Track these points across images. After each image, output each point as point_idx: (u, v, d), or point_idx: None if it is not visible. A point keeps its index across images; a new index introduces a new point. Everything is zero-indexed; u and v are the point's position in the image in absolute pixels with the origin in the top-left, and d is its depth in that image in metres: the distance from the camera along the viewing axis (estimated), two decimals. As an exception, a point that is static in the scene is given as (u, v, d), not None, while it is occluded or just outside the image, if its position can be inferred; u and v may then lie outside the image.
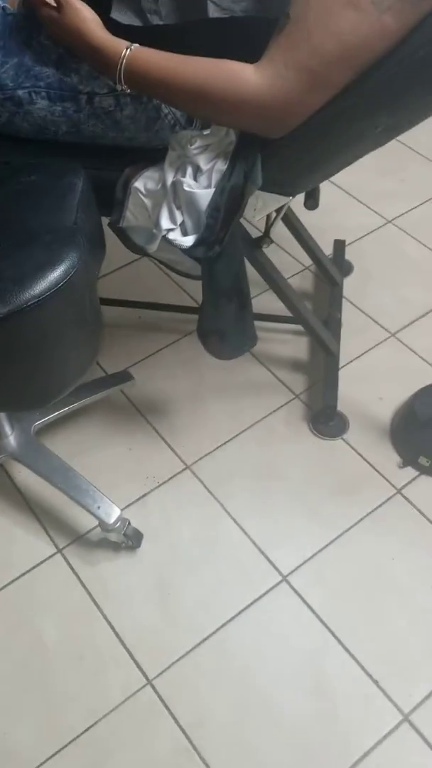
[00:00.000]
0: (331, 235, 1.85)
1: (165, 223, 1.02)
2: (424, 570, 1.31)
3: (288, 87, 0.89)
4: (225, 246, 1.03)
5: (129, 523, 1.30)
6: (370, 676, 1.18)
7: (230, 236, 1.03)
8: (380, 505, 1.39)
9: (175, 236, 1.03)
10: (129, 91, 0.98)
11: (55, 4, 0.95)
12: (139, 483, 1.42)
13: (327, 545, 1.34)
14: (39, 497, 1.39)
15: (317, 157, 1.00)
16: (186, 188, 0.99)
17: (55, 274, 0.80)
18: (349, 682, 1.17)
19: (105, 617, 1.25)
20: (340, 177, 2.01)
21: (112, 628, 1.24)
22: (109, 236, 1.09)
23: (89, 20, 0.95)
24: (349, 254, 1.82)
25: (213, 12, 0.91)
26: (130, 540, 1.31)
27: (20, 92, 1.02)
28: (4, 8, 1.00)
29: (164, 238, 1.04)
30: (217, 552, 1.33)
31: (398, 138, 2.16)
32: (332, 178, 2.01)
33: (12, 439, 1.31)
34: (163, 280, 1.78)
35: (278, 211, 1.28)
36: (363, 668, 1.19)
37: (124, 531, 1.29)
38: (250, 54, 0.91)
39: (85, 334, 0.93)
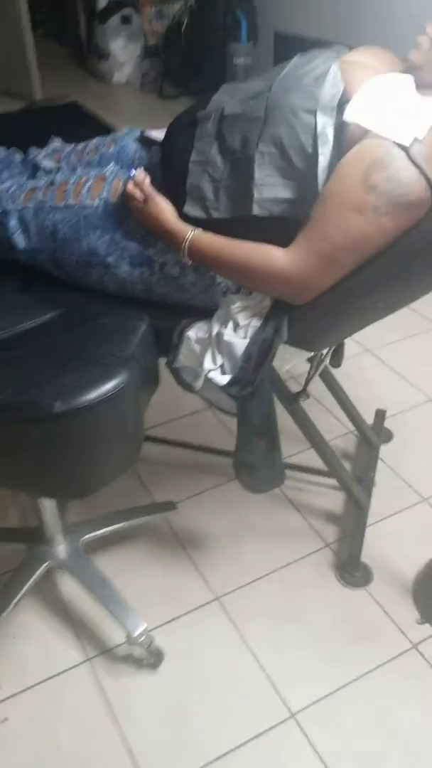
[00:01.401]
0: (377, 405, 2.03)
1: (208, 364, 1.25)
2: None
3: (307, 267, 1.14)
4: (256, 388, 1.24)
5: (153, 641, 1.40)
6: None
7: (261, 380, 1.24)
8: (394, 657, 1.43)
9: (215, 375, 1.24)
10: (191, 263, 1.26)
11: (142, 197, 1.26)
12: (170, 608, 1.53)
13: (338, 689, 1.38)
14: (77, 608, 1.52)
15: (331, 321, 1.22)
16: (226, 338, 1.22)
17: (107, 386, 1.02)
18: None
19: (119, 728, 1.32)
20: (391, 357, 2.25)
21: (124, 739, 1.30)
22: (177, 386, 1.30)
23: (166, 210, 1.25)
24: (392, 424, 1.99)
25: (257, 211, 1.19)
26: (152, 657, 1.40)
27: (110, 258, 1.32)
28: (105, 200, 1.33)
29: (206, 376, 1.25)
30: (233, 682, 1.39)
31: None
32: (384, 358, 2.25)
33: (63, 548, 1.48)
34: (218, 429, 1.99)
35: (316, 368, 1.49)
36: None
37: (147, 646, 1.39)
38: (283, 240, 1.17)
39: (125, 443, 1.12)
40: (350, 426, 1.96)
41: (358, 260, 1.12)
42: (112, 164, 1.41)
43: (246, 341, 1.22)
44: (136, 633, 1.37)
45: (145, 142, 1.47)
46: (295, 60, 1.24)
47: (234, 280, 1.28)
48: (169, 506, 1.67)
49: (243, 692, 1.38)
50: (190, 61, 4.45)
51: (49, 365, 1.10)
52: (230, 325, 1.24)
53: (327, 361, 1.51)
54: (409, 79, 1.16)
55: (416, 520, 1.73)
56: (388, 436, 1.95)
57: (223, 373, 1.25)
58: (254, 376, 1.22)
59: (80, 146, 1.56)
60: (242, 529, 1.71)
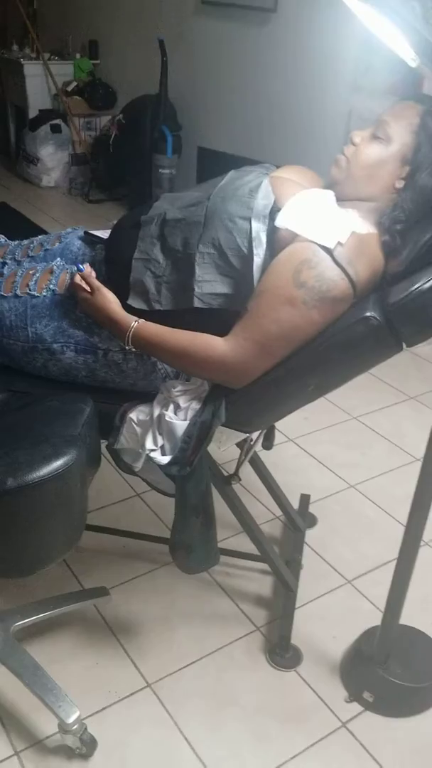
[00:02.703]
0: (300, 491, 2.12)
1: (149, 444, 1.31)
2: (366, 804, 1.34)
3: (244, 354, 1.24)
4: (194, 468, 1.30)
5: (86, 729, 1.38)
6: None
7: (199, 461, 1.31)
8: (325, 737, 1.46)
9: (156, 455, 1.31)
10: (134, 350, 1.34)
11: (89, 290, 1.35)
12: (102, 696, 1.51)
13: (273, 771, 1.39)
14: (5, 698, 1.48)
15: (266, 404, 1.32)
16: (167, 419, 1.30)
17: (57, 463, 1.07)
18: None
19: None
20: (313, 446, 2.37)
21: None
22: (109, 474, 1.35)
23: (111, 302, 1.34)
24: (315, 510, 2.08)
25: (198, 303, 1.30)
26: (85, 746, 1.37)
27: (55, 345, 1.39)
28: (54, 290, 1.41)
29: (148, 456, 1.32)
30: (167, 769, 1.38)
31: (362, 420, 2.56)
32: (306, 447, 2.36)
33: (-8, 636, 1.45)
34: (148, 516, 2.02)
35: (246, 454, 1.58)
36: None
37: (80, 735, 1.36)
38: (218, 330, 1.27)
39: (71, 521, 1.15)
40: (276, 512, 2.04)
41: (289, 348, 1.24)
42: (58, 259, 1.50)
43: (186, 422, 1.30)
44: (70, 720, 1.34)
45: (89, 240, 1.58)
46: (231, 174, 1.40)
47: (175, 366, 1.37)
48: (102, 592, 1.68)
49: (178, 780, 1.36)
50: (117, 170, 4.71)
51: (-2, 443, 1.13)
52: (171, 407, 1.32)
53: (257, 446, 1.59)
54: (330, 194, 1.32)
55: (341, 602, 1.79)
56: (312, 521, 2.03)
57: (164, 453, 1.32)
58: (193, 456, 1.29)
59: (25, 242, 1.65)
60: (173, 615, 1.72)
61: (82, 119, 5.20)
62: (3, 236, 1.71)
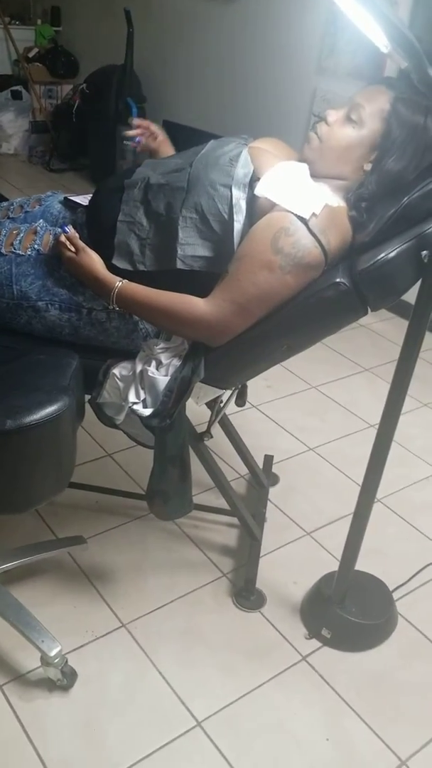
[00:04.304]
0: (263, 453, 2.24)
1: (132, 397, 1.40)
2: (322, 726, 1.48)
3: (223, 314, 1.34)
4: (174, 420, 1.40)
5: (67, 662, 1.47)
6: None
7: (179, 414, 1.41)
8: (287, 669, 1.59)
9: (138, 408, 1.40)
10: (118, 309, 1.42)
11: (74, 249, 1.42)
12: (80, 635, 1.61)
13: (238, 699, 1.51)
14: (-12, 638, 1.57)
15: (242, 362, 1.43)
16: (150, 374, 1.39)
17: (52, 408, 1.15)
18: None
19: (35, 748, 1.37)
20: (275, 412, 2.49)
21: (40, 758, 1.36)
22: (81, 435, 1.43)
23: (96, 261, 1.42)
24: (278, 470, 2.21)
25: (180, 265, 1.39)
26: (66, 678, 1.47)
27: (40, 303, 1.46)
28: (38, 250, 1.48)
29: (130, 409, 1.41)
30: (141, 699, 1.49)
31: (321, 390, 2.69)
32: (269, 413, 2.48)
33: (-24, 578, 1.53)
34: (121, 474, 2.11)
35: (217, 413, 1.68)
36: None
37: (61, 668, 1.46)
38: (198, 291, 1.37)
39: (62, 463, 1.24)
40: (240, 471, 2.16)
41: (265, 310, 1.34)
42: (41, 220, 1.57)
43: (167, 378, 1.39)
44: (52, 654, 1.44)
45: (69, 204, 1.65)
46: (211, 143, 1.48)
47: (157, 324, 1.46)
48: (78, 540, 1.77)
49: (151, 707, 1.47)
50: (80, 140, 4.71)
51: (-7, 391, 1.21)
52: (153, 363, 1.41)
53: (229, 405, 1.70)
54: (304, 167, 1.42)
55: (301, 551, 1.93)
56: (275, 480, 2.16)
57: (145, 406, 1.41)
58: (173, 409, 1.39)
59: (4, 204, 1.71)
60: (145, 563, 1.83)
61: (44, 87, 5.16)
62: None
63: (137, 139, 1.76)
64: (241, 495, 2.10)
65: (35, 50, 5.19)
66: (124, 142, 1.75)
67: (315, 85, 3.52)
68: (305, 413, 2.57)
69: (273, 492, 2.12)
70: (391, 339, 3.16)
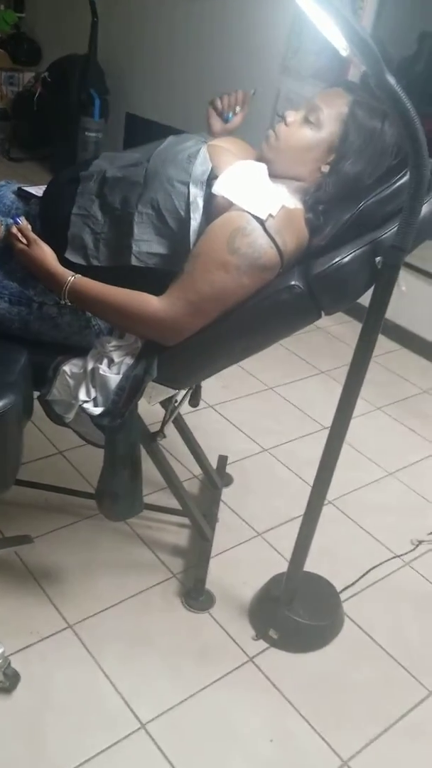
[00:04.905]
0: (218, 453, 2.24)
1: (82, 395, 1.38)
2: (266, 727, 1.48)
3: (177, 312, 1.33)
4: (125, 420, 1.38)
5: (9, 664, 1.44)
6: None
7: (130, 414, 1.39)
8: (234, 669, 1.59)
9: (88, 407, 1.38)
10: (70, 304, 1.39)
11: (25, 241, 1.39)
12: (24, 636, 1.57)
13: (184, 700, 1.50)
14: None
15: (196, 363, 1.41)
16: (101, 372, 1.37)
17: (-3, 406, 1.12)
18: None
19: (-29, 752, 1.34)
20: (231, 413, 2.48)
21: (-23, 761, 1.33)
22: (31, 431, 1.40)
23: (48, 254, 1.38)
24: (232, 470, 2.20)
25: (135, 262, 1.37)
26: (8, 680, 1.44)
27: (-11, 296, 1.43)
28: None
29: (80, 408, 1.38)
30: (86, 701, 1.47)
31: (277, 391, 2.69)
32: (225, 414, 2.47)
33: None
34: (72, 472, 2.08)
35: (171, 412, 1.66)
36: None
37: (4, 669, 1.43)
38: (151, 289, 1.35)
39: (6, 462, 1.21)
40: (194, 471, 2.15)
41: (220, 310, 1.33)
42: (-7, 211, 1.53)
43: (119, 377, 1.37)
44: (-6, 656, 1.40)
45: (23, 195, 1.61)
46: (170, 139, 1.46)
47: (110, 321, 1.44)
48: (25, 540, 1.73)
49: (96, 709, 1.45)
50: (41, 129, 4.63)
51: None
52: (105, 361, 1.38)
53: (183, 405, 1.68)
54: (263, 167, 1.41)
55: (253, 552, 1.93)
56: (228, 480, 2.15)
57: (96, 405, 1.39)
58: (124, 409, 1.37)
59: (-43, 193, 1.65)
60: (94, 563, 1.80)
61: (5, 73, 5.05)
62: None
63: (229, 115, 1.63)
64: (193, 495, 2.08)
65: (-3, 36, 5.08)
66: (224, 117, 1.62)
67: (278, 85, 3.52)
68: (261, 414, 2.57)
69: (226, 492, 2.11)
70: (348, 342, 3.18)
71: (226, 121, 1.62)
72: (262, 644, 1.66)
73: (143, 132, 4.14)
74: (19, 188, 1.62)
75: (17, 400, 1.16)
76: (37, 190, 1.60)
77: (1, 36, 5.07)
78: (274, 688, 1.56)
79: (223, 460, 2.20)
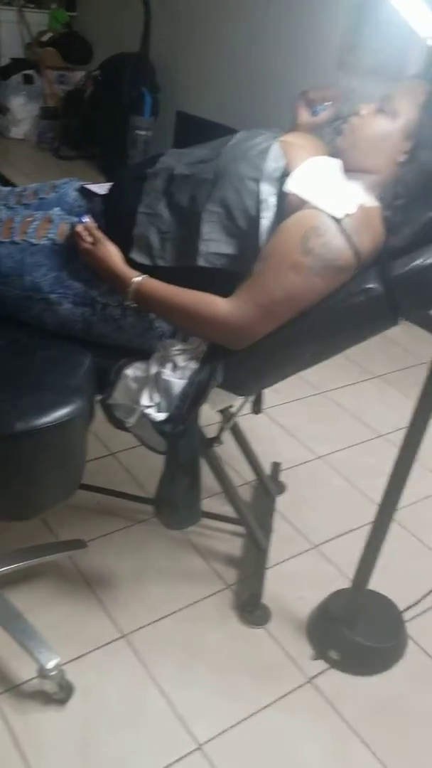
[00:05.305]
0: (270, 459, 2.17)
1: (145, 401, 1.32)
2: (326, 753, 1.41)
3: (247, 316, 1.26)
4: (187, 427, 1.33)
5: (64, 675, 1.40)
6: None
7: (193, 420, 1.33)
8: (292, 691, 1.52)
9: (151, 412, 1.32)
10: (134, 305, 1.34)
11: (91, 240, 1.35)
12: (77, 645, 1.53)
13: (240, 722, 1.44)
14: (-20, 645, 1.49)
15: (263, 368, 1.35)
16: (165, 377, 1.31)
17: (62, 412, 1.07)
18: None
19: (28, 764, 1.30)
20: (281, 417, 2.42)
21: (31, 775, 1.29)
22: (90, 433, 1.36)
23: (114, 254, 1.34)
24: (284, 478, 2.13)
25: (201, 262, 1.31)
26: (63, 691, 1.40)
27: (53, 296, 1.38)
28: (53, 240, 1.40)
29: (142, 413, 1.33)
30: (140, 716, 1.42)
31: (329, 396, 2.62)
32: (276, 419, 2.41)
33: (-29, 582, 1.46)
34: (124, 475, 2.04)
35: (229, 420, 1.60)
36: None
37: (58, 681, 1.38)
38: (222, 290, 1.29)
39: (70, 470, 1.17)
40: (246, 478, 2.08)
41: (291, 313, 1.27)
42: (57, 208, 1.49)
43: (183, 381, 1.32)
44: (50, 666, 1.36)
45: (85, 193, 1.57)
46: (240, 134, 1.40)
47: (175, 323, 1.38)
48: (79, 544, 1.69)
49: (150, 726, 1.40)
50: (91, 127, 4.62)
51: (1, 389, 1.13)
52: (169, 365, 1.33)
53: (241, 411, 1.62)
54: (337, 163, 1.35)
55: (308, 565, 1.85)
56: (281, 488, 2.08)
57: (159, 410, 1.33)
58: (188, 415, 1.31)
59: (18, 189, 1.62)
60: (147, 570, 1.75)
61: (56, 72, 5.07)
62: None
63: (319, 108, 1.56)
64: (246, 503, 2.02)
65: (49, 34, 5.09)
66: (313, 110, 1.54)
67: (335, 82, 3.44)
68: (313, 419, 2.49)
69: (279, 501, 2.04)
70: (402, 345, 3.09)
71: (314, 114, 1.55)
72: (321, 664, 1.59)
73: (194, 130, 4.09)
74: (82, 186, 1.58)
75: (84, 405, 1.12)
76: (100, 188, 1.55)
77: (53, 35, 5.08)
78: (335, 712, 1.49)
79: (276, 467, 2.14)
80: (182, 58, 4.30)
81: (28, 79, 4.98)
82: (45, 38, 5.08)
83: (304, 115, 1.58)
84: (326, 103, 1.56)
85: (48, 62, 4.99)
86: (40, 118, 5.03)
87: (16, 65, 5.00)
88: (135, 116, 4.16)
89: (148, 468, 2.06)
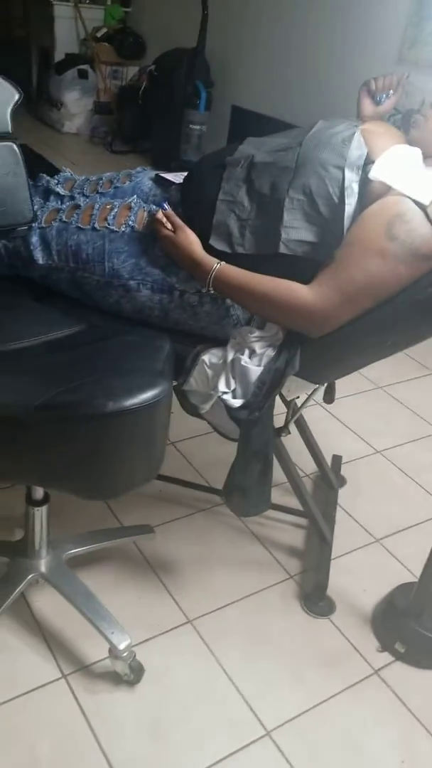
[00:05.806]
0: (330, 453, 2.16)
1: (222, 386, 1.33)
2: (394, 747, 1.40)
3: (327, 302, 1.26)
4: (263, 414, 1.33)
5: (135, 656, 1.42)
6: None
7: (268, 408, 1.34)
8: (358, 682, 1.52)
9: (228, 398, 1.33)
10: (213, 292, 1.35)
11: (171, 227, 1.36)
12: (145, 629, 1.55)
13: (309, 709, 1.44)
14: (52, 625, 1.52)
15: (341, 357, 1.35)
16: (243, 363, 1.32)
17: (150, 393, 1.08)
18: None
19: (99, 744, 1.32)
20: (339, 411, 2.41)
21: (105, 755, 1.30)
22: None
23: (194, 241, 1.35)
24: (344, 471, 2.12)
25: (283, 249, 1.31)
26: (133, 673, 1.42)
27: (132, 282, 1.40)
28: (133, 227, 1.42)
29: (218, 399, 1.34)
30: (208, 701, 1.43)
31: (387, 391, 2.60)
32: (335, 413, 2.40)
33: (46, 562, 1.48)
34: (183, 464, 2.05)
35: (296, 409, 1.60)
36: None
37: (130, 662, 1.40)
38: (300, 278, 1.29)
39: (154, 452, 1.18)
40: (308, 470, 2.08)
41: (373, 301, 1.26)
42: (134, 196, 1.50)
43: (260, 368, 1.32)
44: (122, 647, 1.38)
45: (160, 182, 1.58)
46: (321, 123, 1.40)
47: (255, 310, 1.39)
48: (147, 529, 1.71)
49: (219, 711, 1.41)
50: (144, 122, 4.65)
51: (88, 371, 1.15)
52: (246, 352, 1.34)
53: (309, 400, 1.62)
54: (418, 151, 1.34)
55: (371, 558, 1.85)
56: (342, 481, 2.08)
57: (235, 397, 1.34)
58: (264, 402, 1.32)
59: (93, 178, 1.65)
60: (211, 557, 1.77)
61: (109, 67, 5.11)
62: (69, 170, 1.70)
63: (382, 97, 1.56)
64: (309, 495, 2.02)
65: (104, 30, 5.14)
66: (377, 98, 1.55)
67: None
68: (370, 414, 2.48)
69: (340, 494, 2.04)
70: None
71: (378, 103, 1.55)
72: (387, 657, 1.58)
73: (249, 124, 4.09)
74: (157, 175, 1.60)
75: (169, 388, 1.13)
76: (175, 177, 1.57)
77: (107, 30, 5.13)
78: (403, 706, 1.48)
79: (337, 460, 2.13)
80: (237, 53, 4.30)
81: (82, 74, 5.03)
82: (100, 34, 5.13)
83: (368, 106, 1.58)
84: (390, 91, 1.55)
85: (102, 57, 5.04)
86: (93, 113, 5.08)
87: (71, 60, 5.07)
88: (189, 110, 4.18)
89: (205, 457, 2.08)
